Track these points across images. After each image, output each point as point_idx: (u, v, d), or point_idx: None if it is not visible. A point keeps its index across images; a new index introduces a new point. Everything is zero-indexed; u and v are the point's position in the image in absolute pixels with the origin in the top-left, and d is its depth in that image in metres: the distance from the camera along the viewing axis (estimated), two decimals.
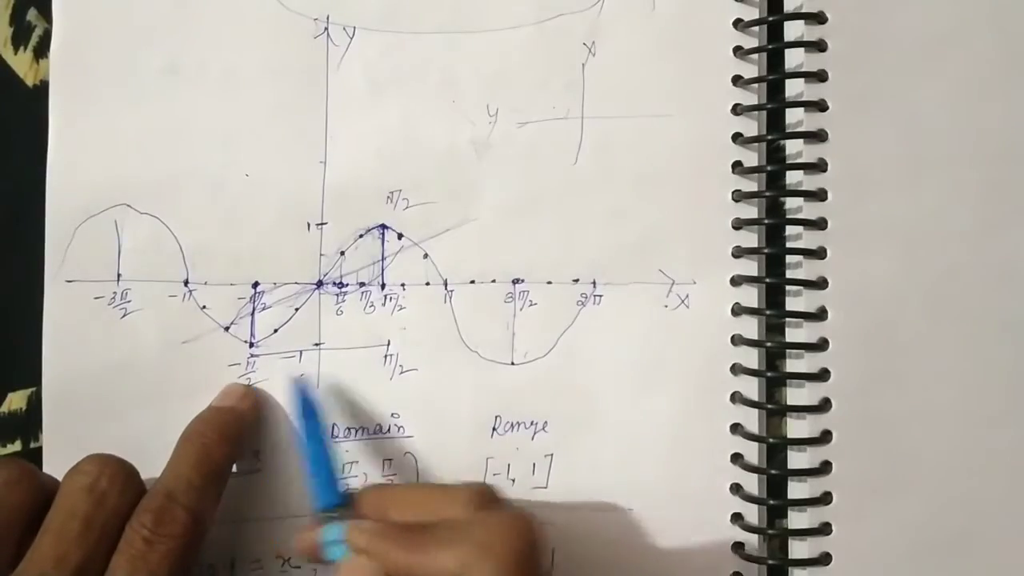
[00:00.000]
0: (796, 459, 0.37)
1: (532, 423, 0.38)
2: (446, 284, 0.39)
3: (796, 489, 0.37)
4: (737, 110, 0.38)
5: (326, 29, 0.39)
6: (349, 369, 0.38)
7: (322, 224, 0.39)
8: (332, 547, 0.32)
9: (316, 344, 0.39)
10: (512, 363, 0.38)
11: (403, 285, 0.39)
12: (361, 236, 0.39)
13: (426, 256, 0.39)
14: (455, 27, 0.38)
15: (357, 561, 0.31)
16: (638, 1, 0.38)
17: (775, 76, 0.38)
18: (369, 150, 0.39)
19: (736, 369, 0.38)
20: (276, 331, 0.39)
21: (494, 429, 0.38)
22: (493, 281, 0.38)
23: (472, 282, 0.38)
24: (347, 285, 0.39)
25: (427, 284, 0.39)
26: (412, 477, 0.38)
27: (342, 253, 0.39)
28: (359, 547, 0.31)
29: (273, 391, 0.38)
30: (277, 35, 0.39)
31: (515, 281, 0.38)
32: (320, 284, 0.39)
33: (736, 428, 0.38)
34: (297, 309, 0.39)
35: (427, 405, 0.38)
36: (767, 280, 0.38)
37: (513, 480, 0.38)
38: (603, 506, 0.38)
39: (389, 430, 0.38)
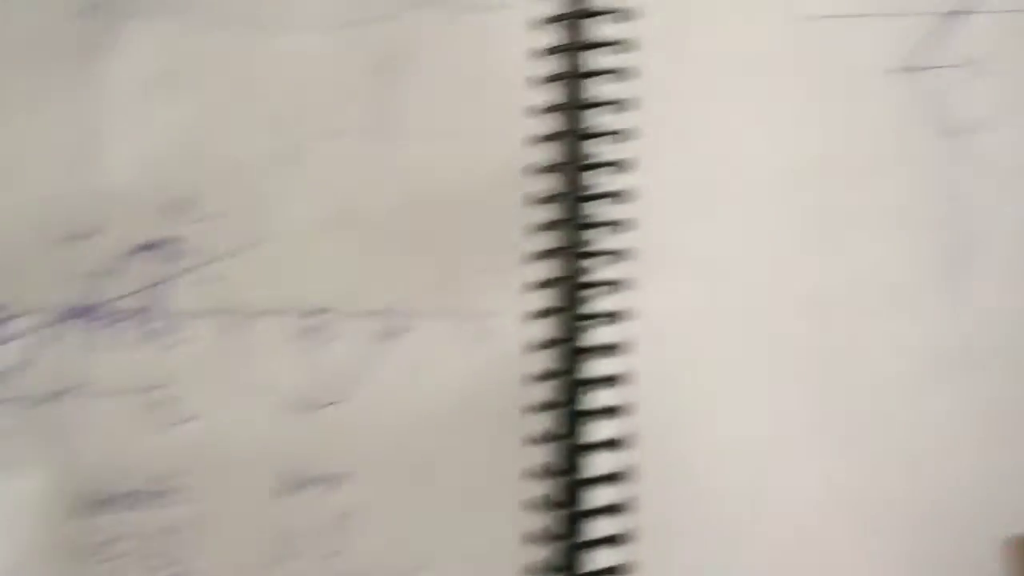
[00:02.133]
0: (600, 496, 0.37)
1: (334, 475, 0.35)
2: (236, 313, 0.35)
3: (598, 527, 0.36)
4: (537, 139, 0.37)
5: (98, 5, 0.34)
6: (114, 418, 0.33)
7: (86, 237, 0.33)
8: None
9: (72, 386, 0.33)
10: (312, 407, 0.35)
11: (185, 314, 0.34)
12: (135, 253, 0.34)
13: (215, 280, 0.34)
14: (258, 24, 0.35)
15: None
16: (439, 14, 0.37)
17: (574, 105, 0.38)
18: (151, 153, 0.35)
19: (537, 405, 0.37)
20: (21, 370, 0.33)
21: (290, 484, 0.35)
22: (288, 312, 0.35)
23: (263, 313, 0.35)
24: (116, 312, 0.34)
25: (215, 313, 0.34)
26: (191, 551, 0.33)
27: (110, 273, 0.33)
28: None
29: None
30: (35, 6, 0.33)
31: (313, 312, 0.35)
32: (80, 310, 0.33)
33: (535, 470, 0.36)
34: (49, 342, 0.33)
35: (211, 460, 0.34)
36: (569, 311, 0.37)
37: (311, 542, 0.34)
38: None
39: (164, 494, 0.33)
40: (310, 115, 0.36)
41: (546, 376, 0.37)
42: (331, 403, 0.35)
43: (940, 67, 0.38)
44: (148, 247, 0.34)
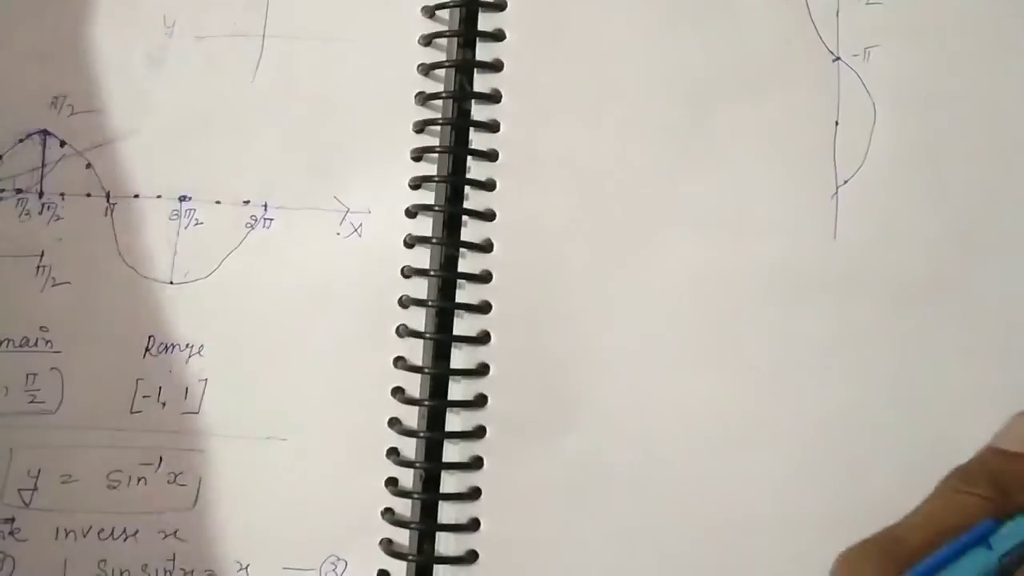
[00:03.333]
0: (455, 391, 0.37)
1: (188, 346, 0.36)
2: (108, 196, 0.37)
3: (453, 422, 0.37)
4: (424, 40, 0.38)
5: None
6: None
7: None
8: None
9: None
10: (171, 282, 0.37)
11: (62, 195, 0.37)
12: (20, 141, 0.37)
13: (89, 166, 0.37)
14: None
15: None
16: None
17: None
18: (30, 49, 0.37)
19: (405, 301, 0.37)
20: None
21: (147, 349, 0.36)
22: (158, 196, 0.37)
23: (136, 196, 0.37)
24: (2, 191, 0.36)
25: (88, 195, 0.37)
26: (56, 394, 0.36)
27: None
28: None
29: None
30: None
31: (181, 198, 0.37)
32: None
33: (399, 361, 0.37)
34: None
35: (78, 320, 0.36)
36: (442, 210, 0.37)
37: (164, 404, 0.36)
38: (256, 435, 0.36)
39: (36, 343, 0.36)
40: (191, 15, 0.37)
41: (414, 273, 0.37)
42: (192, 280, 0.36)
43: None
44: (32, 136, 0.36)
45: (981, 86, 0.37)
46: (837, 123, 0.37)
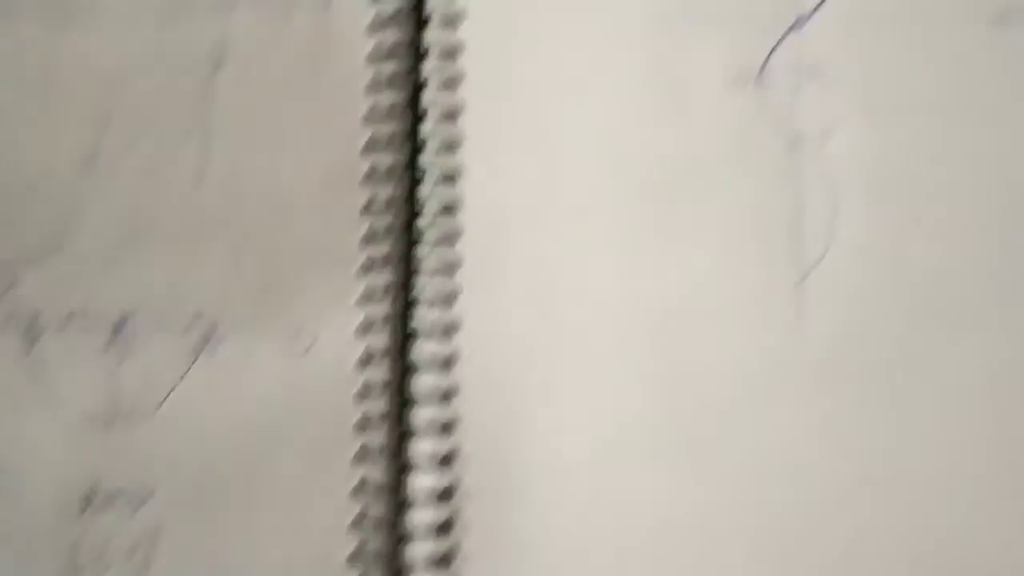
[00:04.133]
0: (421, 516, 0.35)
1: (135, 494, 0.33)
2: (34, 322, 0.33)
3: (420, 548, 0.35)
4: (370, 145, 0.36)
5: None
6: None
7: None
8: None
9: None
10: (114, 419, 0.34)
11: None
12: None
13: (12, 286, 0.33)
14: (62, 18, 0.34)
15: None
16: (272, 10, 0.36)
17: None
18: None
19: (363, 422, 0.35)
20: None
21: (86, 504, 0.33)
22: (92, 324, 0.34)
23: (66, 324, 0.34)
24: None
25: (9, 320, 0.33)
26: None
27: None
28: None
29: None
30: None
31: (120, 324, 0.34)
32: None
33: (360, 484, 0.35)
34: None
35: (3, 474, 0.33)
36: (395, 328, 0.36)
37: (108, 566, 0.33)
38: None
39: None
40: (122, 116, 0.35)
41: (373, 391, 0.35)
42: (135, 417, 0.34)
43: (783, 76, 0.36)
44: None
45: (946, 162, 0.37)
46: (799, 210, 0.36)
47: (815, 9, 0.36)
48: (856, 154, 0.37)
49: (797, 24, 0.37)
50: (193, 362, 0.34)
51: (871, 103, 0.37)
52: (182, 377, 0.34)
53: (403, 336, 0.36)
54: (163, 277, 0.34)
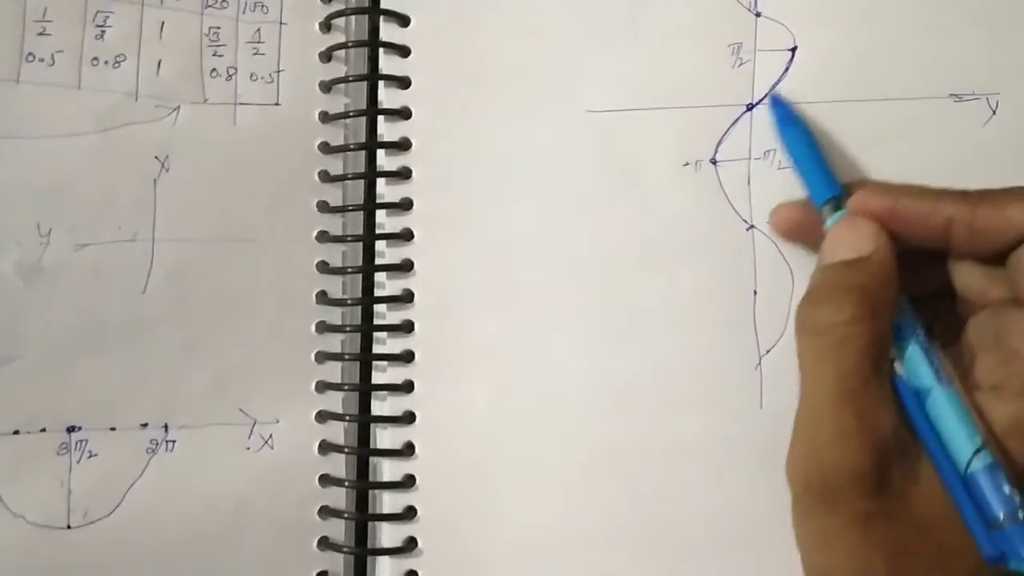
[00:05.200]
0: None
1: None
2: None
3: None
4: (322, 238, 0.36)
5: None
6: None
7: None
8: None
9: None
10: (68, 526, 0.33)
11: None
12: None
13: None
14: (1, 130, 0.34)
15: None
16: (216, 113, 0.35)
17: (359, 207, 0.36)
18: None
19: (325, 512, 0.35)
20: None
21: None
22: (43, 430, 0.33)
23: (16, 432, 0.33)
24: None
25: None
26: None
27: None
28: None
29: None
30: None
31: (71, 429, 0.34)
32: None
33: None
34: None
35: None
36: (354, 417, 0.36)
37: None
38: None
39: None
40: (66, 224, 0.34)
41: (334, 479, 0.35)
42: (91, 520, 0.33)
43: (736, 159, 0.36)
44: None
45: None
46: (755, 292, 0.37)
47: (766, 94, 0.36)
48: None
49: (749, 108, 0.36)
50: (148, 462, 0.34)
51: None
52: (137, 478, 0.34)
53: (361, 424, 0.36)
54: (113, 381, 0.34)
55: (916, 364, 0.29)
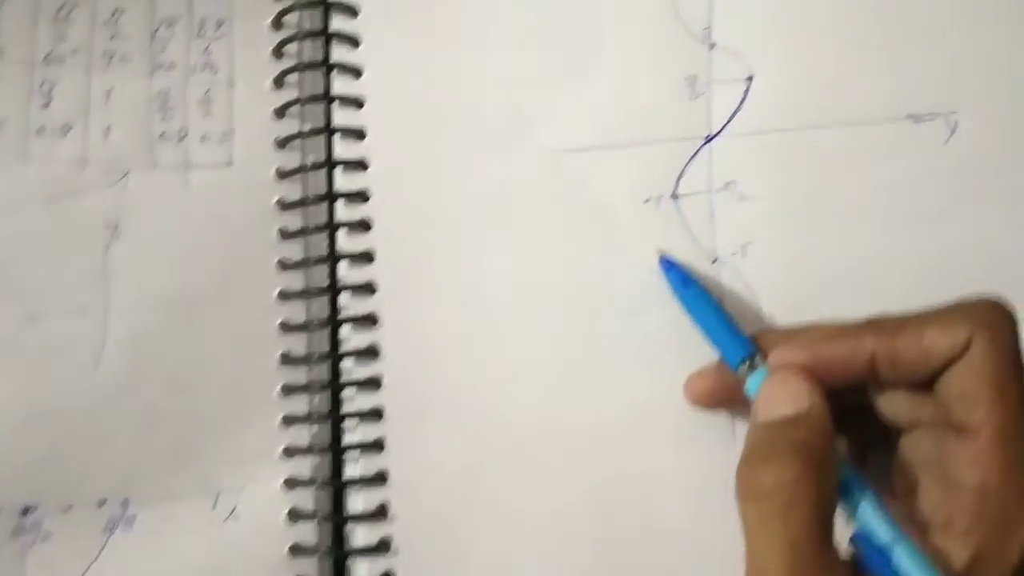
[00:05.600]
0: None
1: None
2: None
3: None
4: (284, 295, 0.35)
5: None
6: None
7: None
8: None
9: None
10: None
11: None
12: None
13: None
14: None
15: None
16: (168, 177, 0.34)
17: (321, 260, 0.35)
18: None
19: None
20: None
21: None
22: None
23: None
24: None
25: None
26: None
27: None
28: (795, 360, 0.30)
29: None
30: None
31: (24, 510, 0.32)
32: None
33: None
34: None
35: None
36: (324, 481, 0.34)
37: None
38: None
39: None
40: (15, 299, 0.33)
41: (304, 550, 0.34)
42: None
43: (697, 193, 0.36)
44: None
45: (865, 271, 0.36)
46: None
47: (723, 126, 0.36)
48: (776, 266, 0.36)
49: (707, 140, 0.36)
50: (107, 541, 0.32)
51: (792, 214, 0.36)
52: (95, 558, 0.32)
53: (334, 489, 0.34)
54: (68, 457, 0.32)
55: (872, 521, 0.28)
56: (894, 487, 0.30)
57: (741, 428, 0.35)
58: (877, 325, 0.30)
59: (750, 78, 0.36)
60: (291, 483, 0.34)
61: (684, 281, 0.34)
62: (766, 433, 0.30)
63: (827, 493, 0.28)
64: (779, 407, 0.30)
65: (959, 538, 0.27)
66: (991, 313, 0.29)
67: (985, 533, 0.27)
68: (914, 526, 0.29)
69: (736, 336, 0.33)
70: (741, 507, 0.28)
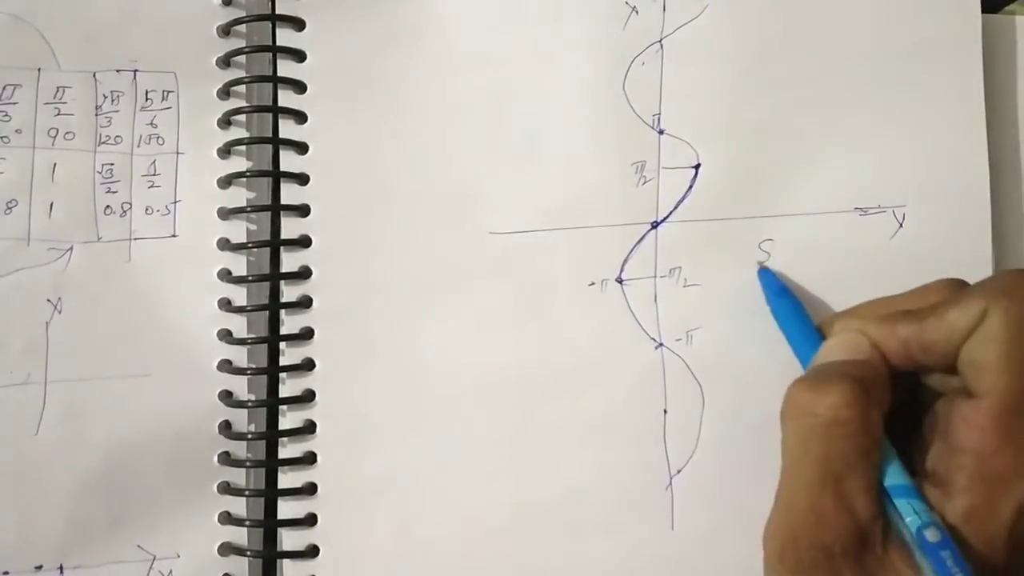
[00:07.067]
0: None
1: None
2: None
3: None
4: (223, 367, 0.35)
5: None
6: None
7: None
8: None
9: None
10: None
11: None
12: None
13: None
14: None
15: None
16: (111, 250, 0.35)
17: (260, 339, 0.36)
18: None
19: None
20: None
21: None
22: None
23: None
24: None
25: None
26: None
27: None
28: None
29: None
30: None
31: None
32: None
33: None
34: None
35: None
36: (257, 552, 0.35)
37: None
38: None
39: None
40: None
41: None
42: None
43: (642, 278, 0.36)
44: None
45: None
46: (666, 411, 0.36)
47: (670, 212, 0.36)
48: (719, 352, 0.36)
49: (654, 226, 0.36)
50: None
51: (735, 300, 0.36)
52: None
53: (264, 560, 0.35)
54: (4, 524, 0.33)
55: (894, 474, 0.29)
56: (911, 448, 0.31)
57: (680, 515, 0.36)
58: (908, 313, 0.31)
59: (697, 166, 0.36)
60: (225, 550, 0.35)
61: (779, 292, 0.35)
62: (823, 366, 0.31)
63: (871, 429, 0.29)
64: (838, 354, 0.31)
65: (956, 495, 0.28)
66: (1008, 282, 0.29)
67: (978, 492, 0.28)
68: (918, 480, 0.29)
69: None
70: (784, 425, 0.30)
